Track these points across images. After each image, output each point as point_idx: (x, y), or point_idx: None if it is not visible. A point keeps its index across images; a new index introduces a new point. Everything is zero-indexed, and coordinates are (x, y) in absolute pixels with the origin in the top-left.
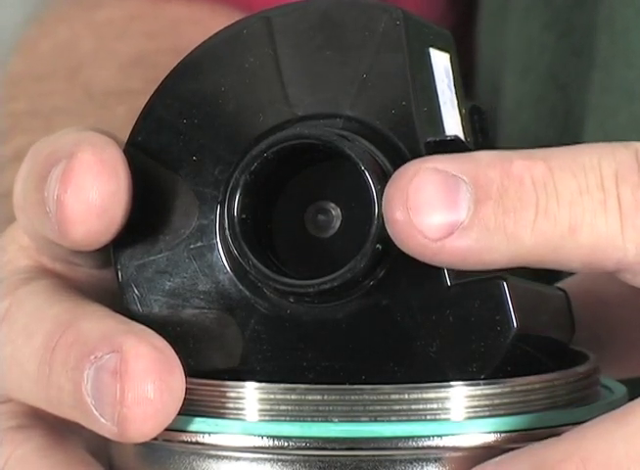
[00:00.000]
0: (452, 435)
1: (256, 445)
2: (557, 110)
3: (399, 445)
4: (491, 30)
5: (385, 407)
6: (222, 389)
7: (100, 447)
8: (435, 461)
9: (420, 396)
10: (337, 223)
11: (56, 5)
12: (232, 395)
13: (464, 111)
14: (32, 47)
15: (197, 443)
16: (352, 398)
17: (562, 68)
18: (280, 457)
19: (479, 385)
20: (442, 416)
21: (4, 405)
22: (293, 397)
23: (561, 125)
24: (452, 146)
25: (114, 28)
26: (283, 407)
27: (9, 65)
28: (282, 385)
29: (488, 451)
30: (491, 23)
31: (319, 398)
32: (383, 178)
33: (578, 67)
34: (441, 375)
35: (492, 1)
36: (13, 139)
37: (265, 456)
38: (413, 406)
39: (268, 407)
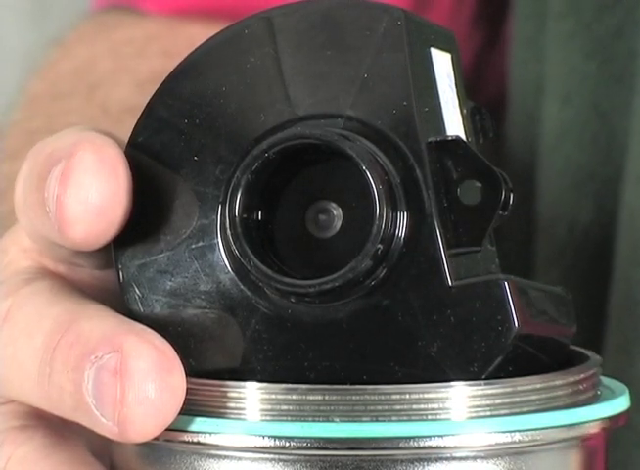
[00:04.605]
0: (453, 435)
1: (258, 444)
2: (599, 137)
3: (400, 444)
4: (525, 58)
5: (386, 407)
6: (223, 389)
7: (101, 447)
8: (437, 461)
9: (421, 395)
10: (338, 223)
11: (78, 27)
12: (233, 394)
13: (465, 111)
14: (52, 68)
15: (198, 442)
16: (353, 397)
17: (603, 95)
18: (281, 457)
19: (480, 385)
20: (443, 416)
21: (5, 406)
22: (294, 396)
23: (603, 153)
24: (453, 146)
25: (132, 48)
26: (284, 407)
27: (28, 86)
28: (283, 385)
29: (490, 451)
30: (525, 50)
31: (320, 397)
32: (384, 178)
33: (620, 94)
34: (442, 375)
35: (526, 29)
36: None
37: (266, 456)
38: (414, 406)
39: (269, 407)
